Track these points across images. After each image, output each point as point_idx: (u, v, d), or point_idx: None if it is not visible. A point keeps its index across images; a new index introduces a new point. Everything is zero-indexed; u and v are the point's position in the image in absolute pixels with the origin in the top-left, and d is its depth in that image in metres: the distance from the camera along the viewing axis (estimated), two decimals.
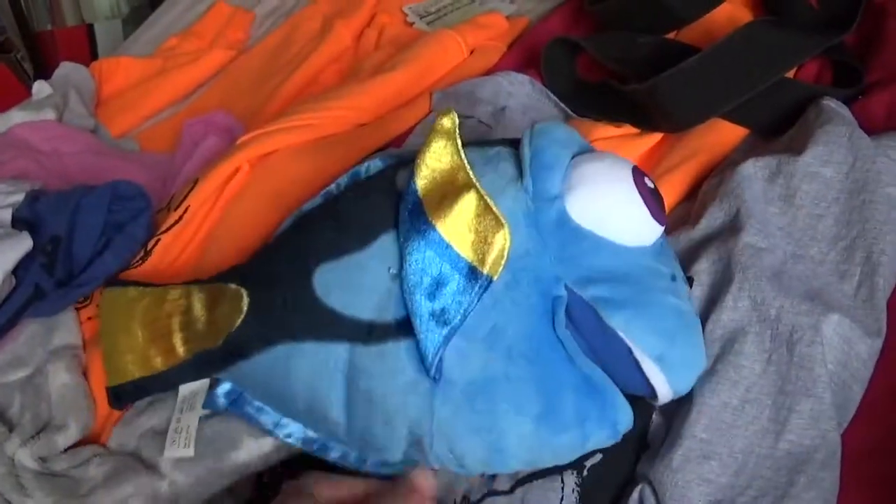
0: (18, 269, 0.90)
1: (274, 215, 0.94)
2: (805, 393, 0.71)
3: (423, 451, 0.67)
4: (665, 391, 0.67)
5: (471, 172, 0.67)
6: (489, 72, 1.16)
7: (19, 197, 0.98)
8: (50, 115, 1.26)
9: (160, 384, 0.79)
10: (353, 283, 0.71)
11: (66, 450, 0.83)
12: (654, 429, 0.76)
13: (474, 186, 0.66)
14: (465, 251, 0.64)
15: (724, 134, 0.94)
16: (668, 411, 0.76)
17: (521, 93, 1.07)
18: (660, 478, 0.71)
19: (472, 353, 0.66)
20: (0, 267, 0.88)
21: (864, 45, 0.98)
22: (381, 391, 0.67)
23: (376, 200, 0.75)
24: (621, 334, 0.65)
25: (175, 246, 0.95)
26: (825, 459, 0.69)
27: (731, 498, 0.69)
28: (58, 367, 0.86)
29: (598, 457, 0.74)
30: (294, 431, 0.75)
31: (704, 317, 0.76)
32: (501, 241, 0.63)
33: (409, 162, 0.73)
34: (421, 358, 0.65)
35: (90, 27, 2.61)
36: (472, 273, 0.64)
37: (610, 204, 0.69)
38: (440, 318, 0.64)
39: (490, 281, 0.63)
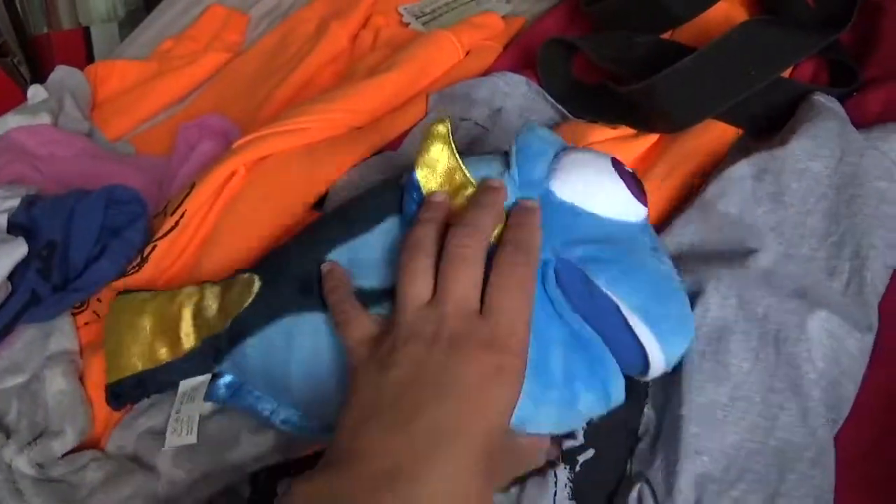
0: (14, 275, 0.91)
1: (271, 219, 0.95)
2: (793, 391, 0.71)
3: None
4: (656, 355, 0.66)
5: (466, 172, 0.70)
6: (485, 72, 1.16)
7: (15, 202, 0.98)
8: (45, 119, 1.26)
9: (164, 376, 0.79)
10: (362, 258, 0.73)
11: (63, 455, 0.83)
12: (646, 425, 0.76)
13: (470, 183, 0.70)
14: None
15: (719, 134, 0.94)
16: (659, 408, 0.76)
17: (517, 94, 1.06)
18: (655, 475, 0.72)
19: None
20: None
21: (860, 43, 0.98)
22: None
23: (379, 191, 0.78)
24: (609, 293, 0.65)
25: (172, 251, 0.95)
26: (815, 457, 0.69)
27: (723, 491, 0.69)
28: (54, 372, 0.86)
29: (591, 452, 0.74)
30: (290, 417, 0.76)
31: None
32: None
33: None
34: None
35: (87, 30, 2.61)
36: None
37: (592, 180, 0.71)
38: None
39: None
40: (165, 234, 0.94)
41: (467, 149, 1.02)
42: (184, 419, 0.77)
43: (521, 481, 0.75)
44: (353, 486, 0.54)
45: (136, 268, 0.92)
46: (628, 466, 0.75)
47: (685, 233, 0.84)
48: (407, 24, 1.36)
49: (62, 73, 1.43)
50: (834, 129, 0.82)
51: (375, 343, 0.64)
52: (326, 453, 0.58)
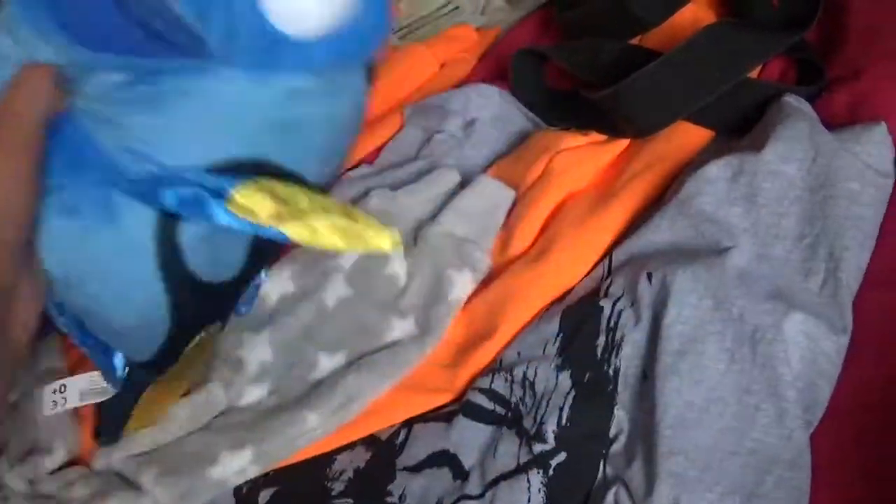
0: None
1: None
2: (769, 392, 0.72)
3: None
4: None
5: None
6: (460, 84, 1.17)
7: None
8: None
9: None
10: None
11: (53, 472, 0.85)
12: (618, 427, 0.77)
13: None
14: None
15: (689, 137, 0.95)
16: (632, 410, 0.77)
17: (490, 104, 1.08)
18: (632, 476, 0.73)
19: None
20: None
21: (826, 42, 0.98)
22: None
23: None
24: None
25: None
26: (793, 459, 0.70)
27: (699, 493, 0.70)
28: (43, 392, 0.87)
29: (563, 455, 0.76)
30: None
31: (665, 313, 0.78)
32: None
33: None
34: None
35: None
36: None
37: None
38: None
39: None
40: None
41: (441, 160, 1.04)
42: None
43: (492, 485, 0.76)
44: None
45: None
46: (601, 469, 0.75)
47: (660, 230, 0.85)
48: None
49: None
50: (805, 130, 0.83)
51: None
52: None
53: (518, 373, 0.82)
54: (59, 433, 0.86)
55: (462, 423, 0.81)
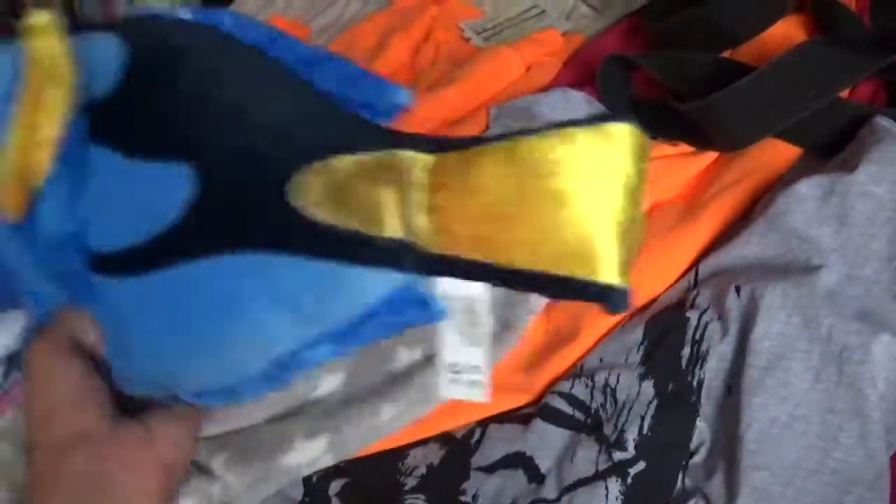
0: None
1: None
2: (853, 412, 0.72)
3: None
4: None
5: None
6: (545, 88, 1.17)
7: None
8: None
9: None
10: None
11: None
12: (699, 439, 0.77)
13: None
14: None
15: (778, 153, 0.95)
16: (714, 422, 0.78)
17: (577, 110, 1.08)
18: (713, 489, 0.73)
19: None
20: None
21: None
22: None
23: None
24: None
25: None
26: (873, 480, 0.70)
27: None
28: None
29: (642, 464, 0.76)
30: None
31: (753, 328, 0.78)
32: None
33: None
34: None
35: None
36: None
37: None
38: None
39: None
40: None
41: None
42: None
43: (569, 490, 0.76)
44: None
45: None
46: (680, 480, 0.75)
47: (749, 245, 0.85)
48: (468, 40, 1.37)
49: None
50: None
51: None
52: None
53: (600, 379, 0.82)
54: None
55: (539, 426, 0.81)
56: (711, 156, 0.98)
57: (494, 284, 0.53)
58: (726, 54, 1.10)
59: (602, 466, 0.76)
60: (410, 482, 0.82)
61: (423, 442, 0.85)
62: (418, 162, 0.53)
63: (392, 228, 0.52)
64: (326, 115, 0.59)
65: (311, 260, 0.53)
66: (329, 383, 0.86)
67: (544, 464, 0.79)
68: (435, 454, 0.84)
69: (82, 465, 0.56)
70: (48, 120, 0.57)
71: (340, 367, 0.86)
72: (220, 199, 0.55)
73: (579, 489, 0.76)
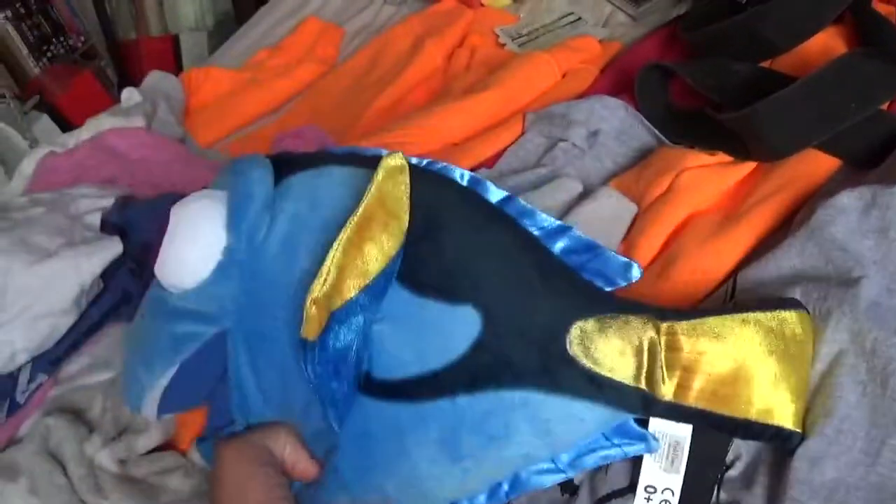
0: (106, 274, 0.91)
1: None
2: None
3: None
4: None
5: None
6: (581, 95, 1.17)
7: (108, 202, 1.00)
8: (139, 122, 1.28)
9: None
10: None
11: (146, 453, 0.85)
12: (736, 452, 0.76)
13: None
14: None
15: (817, 164, 0.94)
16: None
17: (614, 117, 1.07)
18: (750, 501, 0.72)
19: None
20: (89, 270, 0.90)
21: None
22: None
23: None
24: None
25: None
26: None
27: None
28: None
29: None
30: None
31: None
32: None
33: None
34: None
35: (175, 38, 2.64)
36: None
37: None
38: None
39: None
40: None
41: (563, 169, 1.03)
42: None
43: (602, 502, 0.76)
44: None
45: None
46: (715, 494, 0.74)
47: (789, 256, 0.84)
48: (503, 45, 1.37)
49: (156, 78, 1.45)
50: None
51: None
52: None
53: None
54: None
55: None
56: (750, 166, 0.97)
57: (707, 426, 0.71)
58: (765, 64, 1.09)
59: (636, 479, 0.75)
60: None
61: None
62: (652, 326, 0.70)
63: (634, 378, 0.69)
64: (570, 279, 0.73)
65: (567, 397, 0.67)
66: None
67: (578, 476, 0.78)
68: None
69: None
70: (379, 253, 0.65)
71: None
72: (501, 340, 0.67)
73: (612, 501, 0.75)
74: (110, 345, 0.92)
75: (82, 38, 2.55)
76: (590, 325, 0.69)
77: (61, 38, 2.47)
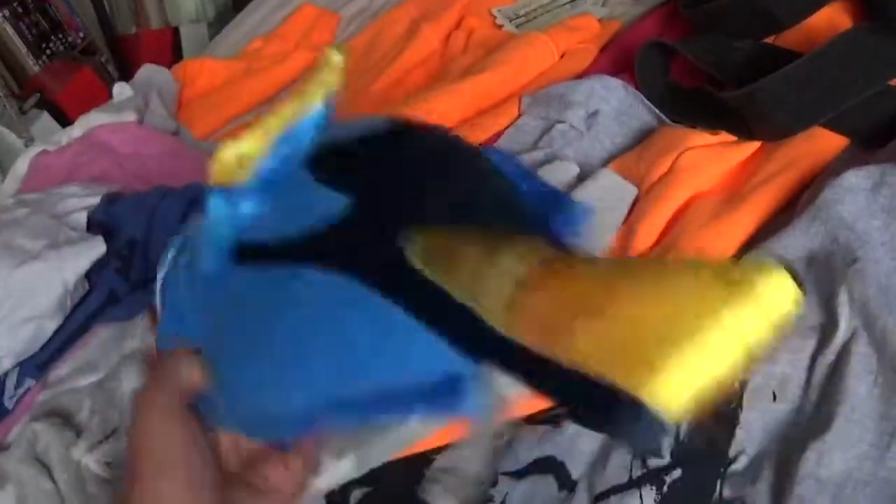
0: (92, 273, 0.91)
1: None
2: None
3: None
4: None
5: None
6: (580, 75, 1.14)
7: (95, 199, 1.00)
8: (131, 116, 1.27)
9: None
10: None
11: None
12: (741, 446, 0.73)
13: None
14: None
15: (823, 143, 0.91)
16: (757, 430, 0.73)
17: (614, 97, 1.04)
18: (754, 497, 0.69)
19: None
20: (73, 271, 0.88)
21: None
22: None
23: None
24: None
25: None
26: None
27: None
28: (130, 371, 0.86)
29: (678, 472, 0.72)
30: None
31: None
32: None
33: None
34: None
35: (175, 31, 2.63)
36: None
37: None
38: None
39: None
40: None
41: (561, 152, 1.00)
42: None
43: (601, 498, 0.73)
44: None
45: None
46: (718, 489, 0.72)
47: (795, 236, 0.81)
48: (500, 27, 1.35)
49: (149, 72, 1.44)
50: None
51: None
52: None
53: None
54: None
55: (571, 429, 0.77)
56: (753, 145, 0.94)
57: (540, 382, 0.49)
58: (768, 40, 1.06)
59: (636, 474, 0.73)
60: (436, 489, 0.79)
61: (449, 446, 0.81)
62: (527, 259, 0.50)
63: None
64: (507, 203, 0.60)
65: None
66: None
67: (576, 470, 0.75)
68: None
69: None
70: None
71: None
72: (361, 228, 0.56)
73: (612, 497, 0.72)
74: (97, 347, 0.90)
75: (81, 35, 2.55)
76: (460, 240, 0.54)
77: (60, 36, 2.47)
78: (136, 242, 0.91)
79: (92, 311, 0.89)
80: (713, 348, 0.38)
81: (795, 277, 0.46)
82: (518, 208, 0.60)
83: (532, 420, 0.80)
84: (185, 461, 0.55)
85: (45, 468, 0.82)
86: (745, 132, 0.95)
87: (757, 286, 0.38)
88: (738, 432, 0.73)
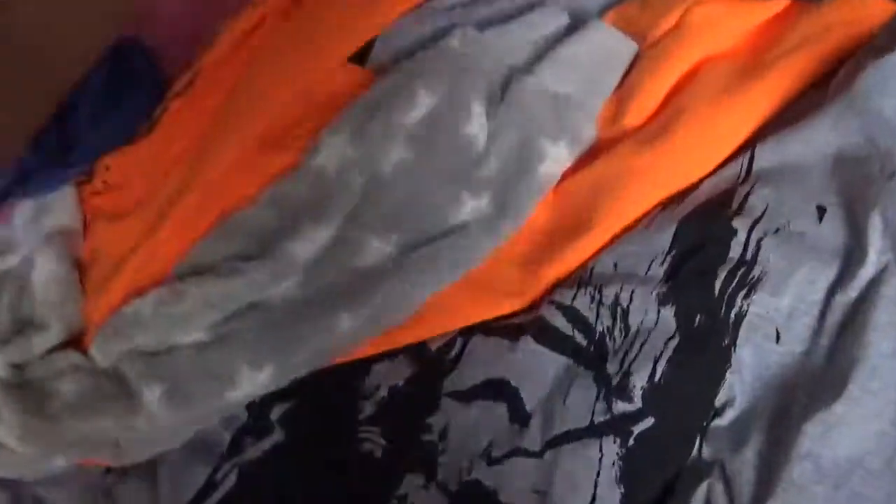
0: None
1: (302, 74, 0.81)
2: None
3: None
4: None
5: None
6: None
7: None
8: None
9: None
10: None
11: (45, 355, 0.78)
12: (728, 395, 0.61)
13: None
14: None
15: (868, 8, 0.74)
16: (752, 379, 0.62)
17: None
18: (737, 468, 0.58)
19: None
20: None
21: None
22: None
23: None
24: None
25: (185, 115, 0.83)
26: None
27: None
28: (47, 255, 0.80)
29: (650, 421, 0.61)
30: None
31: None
32: None
33: None
34: None
35: None
36: None
37: None
38: None
39: None
40: (178, 95, 0.83)
41: None
42: None
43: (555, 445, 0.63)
44: None
45: (146, 132, 0.82)
46: (697, 447, 0.60)
47: (821, 130, 0.67)
48: None
49: None
50: None
51: None
52: None
53: (610, 293, 0.66)
54: (58, 307, 0.78)
55: (530, 346, 0.67)
56: (781, 3, 0.77)
57: None
58: None
59: (599, 418, 0.62)
60: (368, 408, 0.71)
61: (391, 354, 0.73)
62: None
63: None
64: None
65: None
66: (282, 284, 0.74)
67: (531, 399, 0.65)
68: (402, 372, 0.72)
69: None
70: None
71: (297, 265, 0.74)
72: None
73: (566, 446, 0.62)
74: (20, 225, 0.83)
75: None
76: None
77: None
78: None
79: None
80: None
81: None
82: None
83: (487, 329, 0.70)
84: None
85: None
86: None
87: None
88: (729, 376, 0.61)
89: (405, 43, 0.81)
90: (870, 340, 0.57)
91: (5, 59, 0.93)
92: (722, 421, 0.60)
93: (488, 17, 0.84)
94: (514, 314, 0.71)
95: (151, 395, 0.70)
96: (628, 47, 0.80)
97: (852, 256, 0.61)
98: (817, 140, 0.67)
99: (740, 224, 0.65)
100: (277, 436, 0.72)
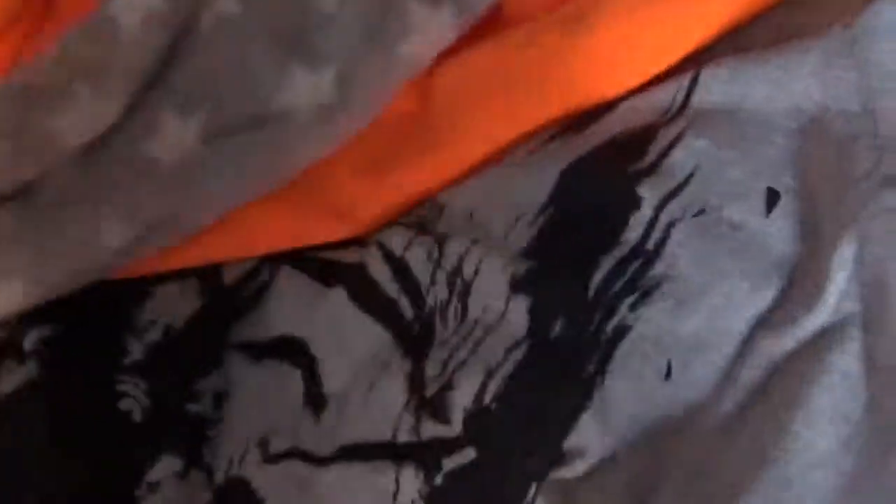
0: None
1: None
2: None
3: None
4: None
5: None
6: None
7: None
8: None
9: None
10: None
11: None
12: (583, 439, 0.46)
13: None
14: None
15: None
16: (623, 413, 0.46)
17: None
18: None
19: None
20: None
21: None
22: None
23: None
24: None
25: None
26: None
27: None
28: None
29: (470, 453, 0.47)
30: None
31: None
32: None
33: None
34: None
35: None
36: None
37: None
38: None
39: None
40: None
41: None
42: None
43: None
44: None
45: None
46: (530, 499, 0.45)
47: (800, 72, 0.49)
48: None
49: None
50: None
51: None
52: None
53: (452, 254, 0.50)
54: None
55: (341, 300, 0.52)
56: None
57: None
58: None
59: (403, 437, 0.47)
60: (136, 350, 0.55)
61: (178, 275, 0.57)
62: None
63: None
64: None
65: None
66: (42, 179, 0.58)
67: (331, 378, 0.51)
68: (186, 305, 0.57)
69: None
70: None
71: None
72: None
73: (356, 464, 0.47)
74: None
75: None
76: None
77: None
78: None
79: None
80: None
81: None
82: None
83: (301, 261, 0.55)
84: None
85: None
86: None
87: None
88: (586, 416, 0.45)
89: None
90: (797, 431, 0.40)
91: None
92: (567, 472, 0.45)
93: None
94: (338, 245, 0.55)
95: None
96: None
97: (801, 283, 0.44)
98: (792, 84, 0.48)
99: (648, 191, 0.46)
100: (31, 370, 0.57)
